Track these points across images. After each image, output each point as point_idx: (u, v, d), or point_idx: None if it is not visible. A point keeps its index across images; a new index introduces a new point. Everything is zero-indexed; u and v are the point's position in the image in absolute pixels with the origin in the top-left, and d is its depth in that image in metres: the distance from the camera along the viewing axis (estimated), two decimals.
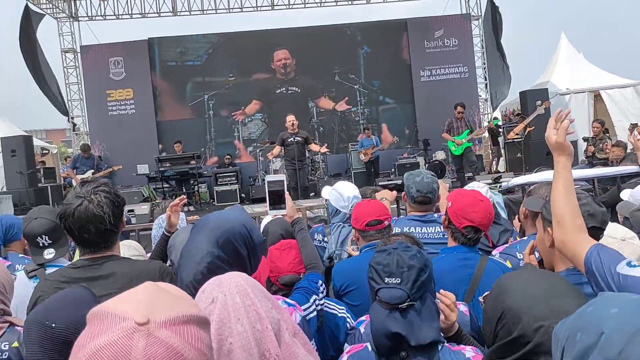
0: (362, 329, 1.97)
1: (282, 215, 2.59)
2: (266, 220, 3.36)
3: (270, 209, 2.56)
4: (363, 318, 2.04)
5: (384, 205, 2.98)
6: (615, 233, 2.28)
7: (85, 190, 1.87)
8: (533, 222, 2.60)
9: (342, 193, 3.38)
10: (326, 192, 3.63)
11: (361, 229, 2.78)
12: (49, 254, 2.48)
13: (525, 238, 2.77)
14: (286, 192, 2.55)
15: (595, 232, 1.88)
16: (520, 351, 1.28)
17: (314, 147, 9.71)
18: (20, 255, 3.23)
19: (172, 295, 0.84)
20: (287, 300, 1.81)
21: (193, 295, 1.47)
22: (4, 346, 2.01)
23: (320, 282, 2.23)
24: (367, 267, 1.68)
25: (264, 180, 12.83)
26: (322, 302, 2.17)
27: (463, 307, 2.02)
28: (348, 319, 2.33)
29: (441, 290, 1.86)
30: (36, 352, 1.52)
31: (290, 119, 9.61)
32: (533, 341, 1.26)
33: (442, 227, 3.00)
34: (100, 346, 0.73)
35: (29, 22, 13.90)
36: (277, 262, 2.43)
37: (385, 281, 1.58)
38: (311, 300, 2.14)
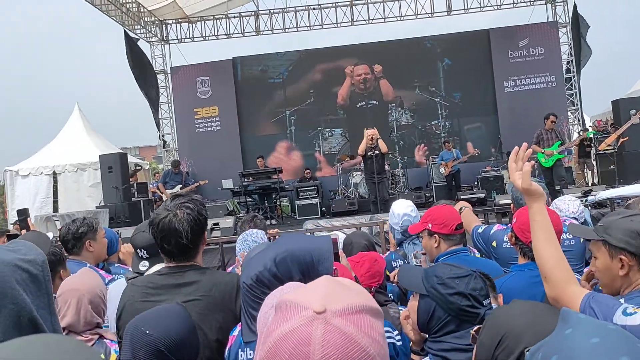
0: None
1: None
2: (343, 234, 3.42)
3: None
4: None
5: (455, 209, 2.96)
6: None
7: (173, 204, 2.00)
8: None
9: (394, 210, 3.41)
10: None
11: (451, 232, 2.76)
12: (143, 265, 2.67)
13: None
14: (340, 251, 2.34)
15: None
16: None
17: (382, 145, 9.61)
18: (116, 265, 3.49)
19: (348, 288, 0.90)
20: None
21: (246, 294, 1.57)
22: None
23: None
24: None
25: (344, 194, 12.86)
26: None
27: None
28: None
29: None
30: (126, 354, 1.63)
31: (371, 132, 9.64)
32: None
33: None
34: (284, 333, 0.82)
35: (133, 46, 14.81)
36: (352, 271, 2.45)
37: (484, 303, 1.59)
38: None
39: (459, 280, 1.62)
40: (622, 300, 1.68)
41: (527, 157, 1.75)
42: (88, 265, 3.10)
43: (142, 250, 2.67)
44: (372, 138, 9.47)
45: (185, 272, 2.01)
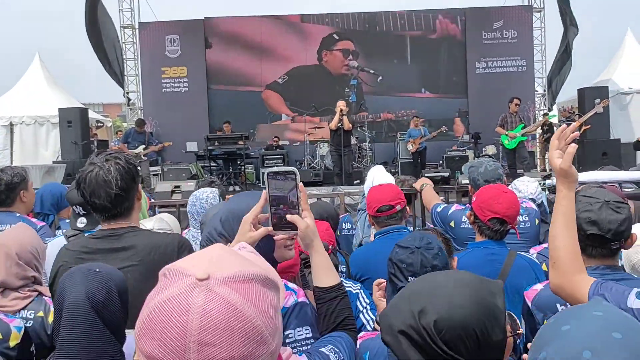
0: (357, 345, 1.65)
1: (294, 235, 1.53)
2: None
3: (274, 228, 1.49)
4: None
5: (397, 188, 2.91)
6: None
7: (99, 158, 1.93)
8: None
9: (368, 183, 3.39)
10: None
11: (373, 214, 2.78)
12: (81, 222, 2.60)
13: None
14: (302, 197, 1.48)
15: (596, 240, 1.74)
16: None
17: (346, 122, 9.56)
18: (67, 221, 3.38)
19: (240, 257, 0.85)
20: (289, 284, 1.75)
21: None
22: (30, 314, 2.09)
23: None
24: (380, 256, 1.67)
25: (310, 164, 12.81)
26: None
27: None
28: (361, 295, 2.34)
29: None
30: (76, 287, 1.54)
31: (340, 104, 9.58)
32: None
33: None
34: (163, 300, 0.76)
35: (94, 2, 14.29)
36: None
37: (409, 280, 1.57)
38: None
39: (400, 249, 1.65)
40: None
41: (573, 138, 1.66)
42: (17, 214, 3.05)
43: (78, 206, 2.60)
44: (341, 110, 9.43)
45: (121, 235, 1.92)
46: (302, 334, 1.47)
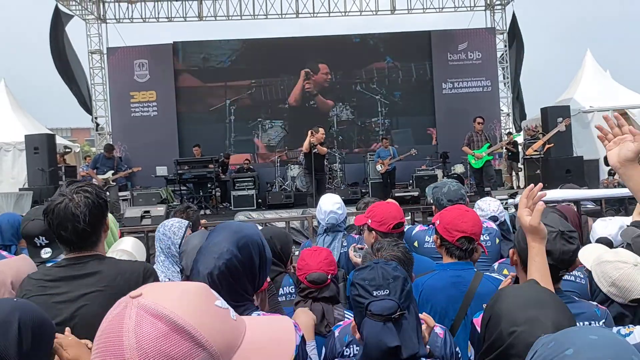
0: (336, 333, 2.01)
1: None
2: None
3: None
4: (339, 322, 2.12)
5: (400, 207, 3.01)
6: (626, 259, 2.23)
7: (69, 190, 1.90)
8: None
9: (321, 206, 3.48)
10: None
11: (387, 231, 2.81)
12: (45, 253, 2.54)
13: None
14: None
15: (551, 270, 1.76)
16: (494, 353, 1.28)
17: (320, 148, 9.67)
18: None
19: (196, 300, 0.84)
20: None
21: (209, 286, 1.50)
22: None
23: None
24: None
25: (281, 186, 12.74)
26: None
27: (439, 330, 1.97)
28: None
29: (423, 313, 1.84)
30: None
31: (322, 131, 9.68)
32: (505, 344, 1.25)
33: None
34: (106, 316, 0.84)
35: (58, 23, 14.23)
36: (308, 260, 2.48)
37: (374, 294, 1.59)
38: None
39: (359, 271, 1.66)
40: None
41: (541, 197, 1.71)
42: None
43: (40, 237, 2.56)
44: (311, 133, 9.50)
45: (86, 263, 1.90)
46: None
